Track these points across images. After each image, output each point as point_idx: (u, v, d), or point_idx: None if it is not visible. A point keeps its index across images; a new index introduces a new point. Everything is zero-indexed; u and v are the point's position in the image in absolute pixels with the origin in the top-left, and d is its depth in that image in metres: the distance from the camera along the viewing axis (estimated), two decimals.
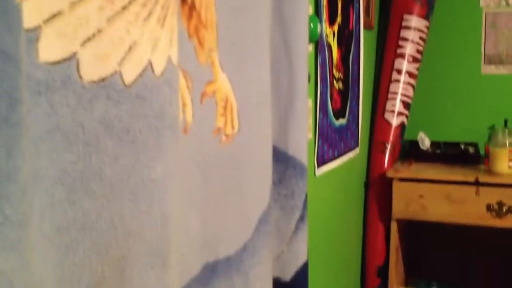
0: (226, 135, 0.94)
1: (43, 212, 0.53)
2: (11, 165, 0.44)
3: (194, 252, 0.84)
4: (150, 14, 0.67)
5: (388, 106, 2.31)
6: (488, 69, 2.45)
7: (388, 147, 2.29)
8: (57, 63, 0.55)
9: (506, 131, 2.09)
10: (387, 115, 2.30)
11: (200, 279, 0.85)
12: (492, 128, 2.14)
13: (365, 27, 2.15)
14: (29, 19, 0.51)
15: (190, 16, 0.84)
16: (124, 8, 0.62)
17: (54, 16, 0.54)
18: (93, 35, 0.58)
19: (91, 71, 0.59)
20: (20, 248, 0.45)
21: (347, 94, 1.90)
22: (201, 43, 0.88)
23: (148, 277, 0.66)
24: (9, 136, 0.44)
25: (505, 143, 2.04)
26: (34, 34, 0.52)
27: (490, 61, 2.44)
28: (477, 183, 2.03)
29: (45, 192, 0.53)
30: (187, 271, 0.82)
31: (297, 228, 1.20)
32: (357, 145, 2.10)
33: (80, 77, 0.57)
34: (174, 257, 0.71)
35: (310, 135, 1.56)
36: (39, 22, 0.53)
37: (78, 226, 0.57)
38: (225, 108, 0.94)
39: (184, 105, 0.82)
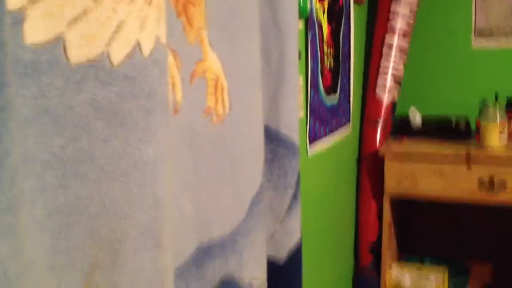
0: (217, 115, 0.93)
1: (34, 197, 0.53)
2: (0, 150, 0.43)
3: (188, 234, 0.84)
4: None
5: (379, 81, 2.30)
6: (479, 42, 2.45)
7: (380, 123, 2.29)
8: (44, 44, 0.54)
9: (497, 104, 2.09)
10: (378, 91, 2.30)
11: (194, 261, 0.85)
12: (483, 102, 2.15)
13: (355, 1, 2.13)
14: (13, 0, 0.50)
15: None
16: None
17: None
18: (80, 15, 0.57)
19: (78, 52, 0.58)
20: (12, 234, 0.45)
21: (338, 70, 1.90)
22: (189, 22, 0.87)
23: (141, 259, 0.66)
24: None
25: (496, 116, 2.05)
26: (19, 15, 0.51)
27: (480, 34, 2.43)
28: (468, 158, 2.04)
29: (35, 176, 0.53)
30: (181, 253, 0.82)
31: (290, 207, 1.20)
32: (348, 121, 2.09)
33: (68, 58, 0.56)
34: (168, 238, 0.71)
35: (302, 113, 1.55)
36: (24, 2, 0.51)
37: (70, 210, 0.56)
38: (215, 87, 0.93)
39: (173, 85, 0.81)
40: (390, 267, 2.25)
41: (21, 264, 0.48)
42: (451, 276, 2.23)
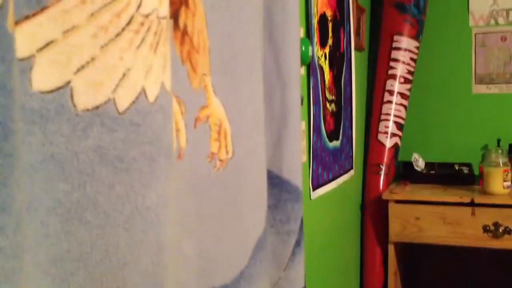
0: (221, 160, 0.94)
1: (38, 243, 0.52)
2: (5, 196, 0.43)
3: (191, 280, 0.83)
4: (143, 40, 0.67)
5: (381, 127, 2.31)
6: (479, 89, 2.47)
7: (383, 168, 2.29)
8: (51, 91, 0.54)
9: (500, 150, 2.09)
10: (381, 137, 2.31)
11: None
12: (485, 148, 2.15)
13: (356, 48, 2.17)
14: (22, 48, 0.51)
15: (182, 42, 0.85)
16: (117, 35, 0.61)
17: (47, 45, 0.54)
18: (87, 63, 0.58)
19: (85, 99, 0.58)
20: (15, 280, 0.44)
21: (340, 115, 1.91)
22: (194, 68, 0.88)
23: None
24: (2, 166, 0.43)
25: (499, 162, 2.05)
26: (27, 63, 0.52)
27: (481, 80, 2.46)
28: (472, 204, 2.03)
29: (39, 222, 0.53)
30: None
31: (293, 253, 1.19)
32: (351, 167, 2.09)
33: (74, 105, 0.57)
34: (171, 285, 0.70)
35: (305, 158, 1.55)
36: (33, 51, 0.52)
37: (73, 257, 0.56)
38: (219, 132, 0.94)
39: (177, 130, 0.82)
40: None
41: None
42: None
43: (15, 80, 0.46)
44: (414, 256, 2.55)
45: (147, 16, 0.66)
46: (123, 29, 0.62)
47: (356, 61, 2.17)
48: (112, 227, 0.61)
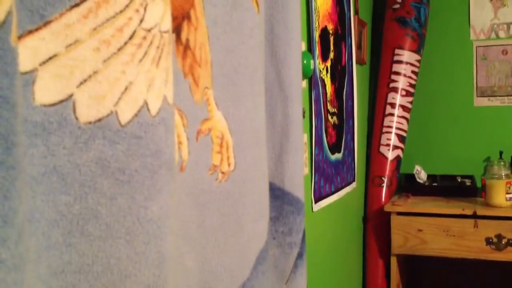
0: (222, 173, 0.94)
1: (40, 255, 0.53)
2: (7, 208, 0.44)
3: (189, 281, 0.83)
4: (145, 54, 0.67)
5: (383, 140, 2.32)
6: (481, 102, 2.48)
7: (385, 181, 2.29)
8: (53, 105, 0.55)
9: (502, 163, 2.09)
10: (383, 149, 2.31)
11: None
12: (487, 161, 2.15)
13: (357, 62, 2.18)
14: (25, 62, 0.52)
15: (185, 55, 0.85)
16: (119, 49, 0.62)
17: (50, 59, 0.54)
18: (89, 77, 0.59)
19: (87, 112, 0.59)
20: None
21: (342, 128, 1.91)
22: (196, 82, 0.89)
23: None
24: (5, 179, 0.43)
25: (501, 175, 2.05)
26: (30, 77, 0.53)
27: (482, 93, 2.46)
28: (475, 216, 2.02)
29: (41, 234, 0.53)
30: None
31: (295, 266, 1.18)
32: (353, 179, 2.09)
33: (77, 118, 0.57)
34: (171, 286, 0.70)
35: (307, 171, 1.56)
36: (35, 65, 0.53)
37: (74, 269, 0.56)
38: (220, 145, 0.94)
39: (180, 143, 0.82)
40: None
41: None
42: None
43: (18, 93, 0.46)
44: (416, 268, 2.53)
45: (149, 30, 0.66)
46: (125, 43, 0.63)
47: (357, 74, 2.18)
48: (113, 239, 0.61)
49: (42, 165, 0.53)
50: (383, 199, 2.27)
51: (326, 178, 1.70)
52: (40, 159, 0.53)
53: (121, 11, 0.62)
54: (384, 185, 2.28)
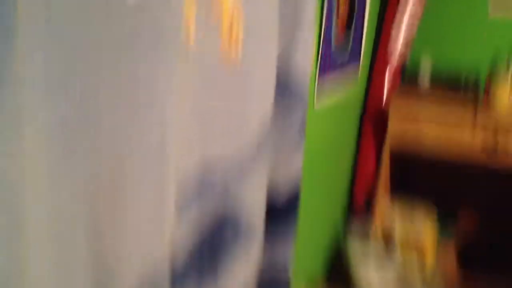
0: (230, 55, 0.94)
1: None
2: None
3: (191, 146, 0.87)
4: None
5: (392, 39, 2.28)
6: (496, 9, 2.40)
7: (388, 72, 2.28)
8: None
9: (510, 68, 2.08)
10: (390, 47, 2.28)
11: (197, 183, 0.88)
12: (494, 63, 2.14)
13: None
14: None
15: None
16: None
17: None
18: None
19: None
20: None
21: (350, 26, 1.88)
22: None
23: (147, 172, 0.69)
24: None
25: (507, 79, 2.05)
26: None
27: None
28: (475, 120, 2.05)
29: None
30: (184, 167, 0.85)
31: (294, 149, 1.22)
32: (357, 77, 2.09)
33: None
34: (173, 158, 0.74)
35: (312, 67, 1.55)
36: None
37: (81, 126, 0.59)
38: (230, 29, 0.94)
39: (188, 20, 0.82)
40: (382, 206, 2.30)
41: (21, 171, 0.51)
42: (439, 218, 2.28)
43: None
44: (410, 167, 2.58)
45: None
46: None
47: None
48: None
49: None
50: (384, 96, 2.28)
51: (330, 74, 1.71)
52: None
53: None
54: (387, 77, 2.27)
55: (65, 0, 0.55)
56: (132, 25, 0.64)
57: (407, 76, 2.43)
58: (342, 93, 1.93)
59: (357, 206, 2.39)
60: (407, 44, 2.31)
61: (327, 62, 1.67)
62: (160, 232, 0.76)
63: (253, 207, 1.06)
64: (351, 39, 1.91)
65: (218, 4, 0.88)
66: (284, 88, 1.21)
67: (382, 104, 2.27)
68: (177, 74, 0.74)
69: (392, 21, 2.28)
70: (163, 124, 0.71)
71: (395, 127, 2.17)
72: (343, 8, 1.77)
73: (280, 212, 1.23)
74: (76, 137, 0.59)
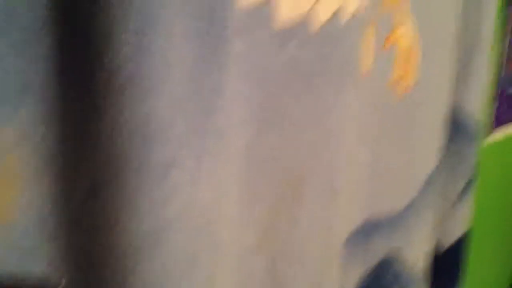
0: (404, 86, 0.92)
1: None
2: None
3: (360, 200, 0.85)
4: None
5: None
6: None
7: None
8: (253, 8, 0.57)
9: None
10: None
11: (363, 231, 0.86)
12: None
13: None
14: None
15: None
16: None
17: None
18: None
19: (284, 14, 0.60)
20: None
21: None
22: None
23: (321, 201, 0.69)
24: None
25: None
26: None
27: None
28: None
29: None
30: (351, 220, 0.83)
31: (464, 192, 1.15)
32: None
33: (274, 20, 0.59)
34: (345, 190, 0.73)
35: (488, 94, 1.45)
36: None
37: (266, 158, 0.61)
38: (406, 58, 0.91)
39: (367, 50, 0.81)
40: None
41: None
42: None
43: None
44: None
45: None
46: None
47: None
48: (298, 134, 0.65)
49: (243, 63, 0.56)
50: None
51: (509, 104, 1.58)
52: (240, 57, 0.56)
53: None
54: None
55: None
56: (317, 55, 0.65)
57: None
58: None
59: None
60: None
61: (505, 87, 1.55)
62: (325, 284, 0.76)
63: (417, 260, 1.01)
64: None
65: (395, 30, 0.86)
66: (454, 120, 1.15)
67: None
68: (355, 107, 0.74)
69: None
70: (339, 151, 0.71)
71: None
72: None
73: (444, 261, 1.16)
74: (265, 168, 0.62)
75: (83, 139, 0.43)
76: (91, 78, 0.42)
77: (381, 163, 0.89)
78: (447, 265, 1.18)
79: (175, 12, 0.44)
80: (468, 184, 1.16)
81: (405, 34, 0.89)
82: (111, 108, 0.40)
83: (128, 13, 0.36)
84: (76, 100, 0.44)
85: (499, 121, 1.54)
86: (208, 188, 0.50)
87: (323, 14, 0.65)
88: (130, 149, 0.41)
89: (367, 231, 0.87)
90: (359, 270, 0.88)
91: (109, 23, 0.38)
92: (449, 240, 1.15)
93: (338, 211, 0.72)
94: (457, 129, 1.15)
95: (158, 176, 0.46)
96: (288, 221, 0.67)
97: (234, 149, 0.56)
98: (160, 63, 0.42)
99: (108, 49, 0.38)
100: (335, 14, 0.67)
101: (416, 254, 0.98)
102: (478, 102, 1.16)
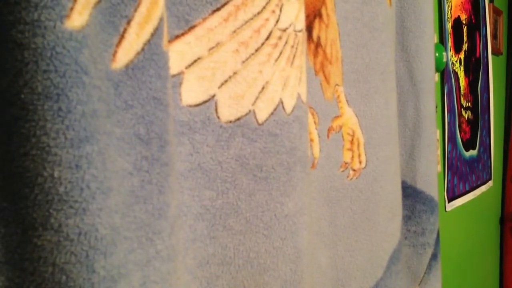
0: (354, 170, 0.93)
1: (186, 247, 0.56)
2: (162, 202, 0.47)
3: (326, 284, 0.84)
4: (280, 54, 0.69)
5: None
6: None
7: None
8: (198, 105, 0.58)
9: None
10: None
11: None
12: None
13: (493, 52, 2.05)
14: (173, 65, 0.55)
15: (316, 53, 0.86)
16: (257, 50, 0.64)
17: (194, 62, 0.58)
18: (229, 77, 0.61)
19: (228, 111, 0.61)
20: (170, 282, 0.48)
21: (477, 123, 1.81)
22: (327, 79, 0.89)
23: None
24: (160, 175, 0.47)
25: None
26: (177, 79, 0.56)
27: None
28: None
29: (188, 227, 0.56)
30: None
31: (429, 267, 1.15)
32: (490, 177, 1.97)
33: (218, 117, 0.60)
34: (308, 281, 0.71)
35: (439, 168, 1.49)
36: (182, 67, 0.56)
37: (217, 261, 0.59)
38: (351, 142, 0.93)
39: (311, 140, 0.83)
40: None
41: None
42: None
43: (169, 95, 0.50)
44: None
45: (284, 30, 0.68)
46: (262, 44, 0.65)
47: (493, 66, 2.05)
48: (252, 233, 0.63)
49: (188, 162, 0.56)
50: None
51: (460, 176, 1.62)
52: (186, 156, 0.56)
53: (258, 13, 0.64)
54: None
55: None
56: (263, 149, 0.65)
57: None
58: (475, 192, 1.82)
59: None
60: None
61: (455, 162, 1.60)
62: None
63: None
64: (478, 135, 1.83)
65: (337, 118, 0.89)
66: (411, 194, 1.17)
67: None
68: (306, 199, 0.73)
69: None
70: (297, 253, 0.69)
71: None
72: (466, 105, 1.71)
73: None
74: (217, 273, 0.59)
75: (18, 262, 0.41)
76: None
77: (341, 248, 0.89)
78: None
79: (115, 121, 0.46)
80: (433, 259, 1.16)
81: (347, 122, 0.92)
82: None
83: (64, 126, 0.37)
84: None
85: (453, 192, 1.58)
86: None
87: (265, 108, 0.67)
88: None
89: None
90: None
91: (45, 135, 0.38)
92: None
93: None
94: (413, 204, 1.17)
95: None
96: None
97: (184, 248, 0.55)
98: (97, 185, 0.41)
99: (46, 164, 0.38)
100: (277, 107, 0.69)
101: None
102: (430, 177, 1.19)
